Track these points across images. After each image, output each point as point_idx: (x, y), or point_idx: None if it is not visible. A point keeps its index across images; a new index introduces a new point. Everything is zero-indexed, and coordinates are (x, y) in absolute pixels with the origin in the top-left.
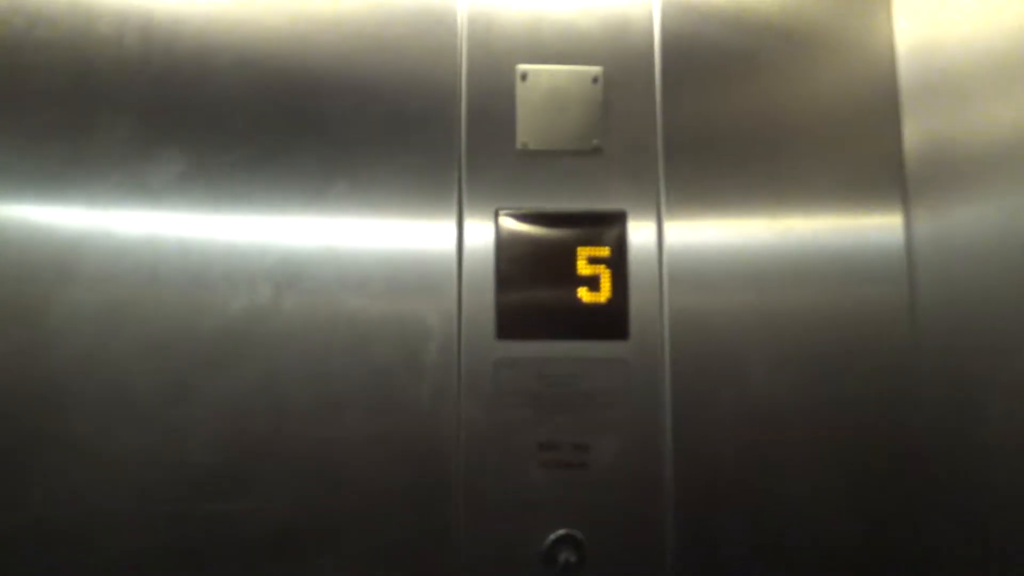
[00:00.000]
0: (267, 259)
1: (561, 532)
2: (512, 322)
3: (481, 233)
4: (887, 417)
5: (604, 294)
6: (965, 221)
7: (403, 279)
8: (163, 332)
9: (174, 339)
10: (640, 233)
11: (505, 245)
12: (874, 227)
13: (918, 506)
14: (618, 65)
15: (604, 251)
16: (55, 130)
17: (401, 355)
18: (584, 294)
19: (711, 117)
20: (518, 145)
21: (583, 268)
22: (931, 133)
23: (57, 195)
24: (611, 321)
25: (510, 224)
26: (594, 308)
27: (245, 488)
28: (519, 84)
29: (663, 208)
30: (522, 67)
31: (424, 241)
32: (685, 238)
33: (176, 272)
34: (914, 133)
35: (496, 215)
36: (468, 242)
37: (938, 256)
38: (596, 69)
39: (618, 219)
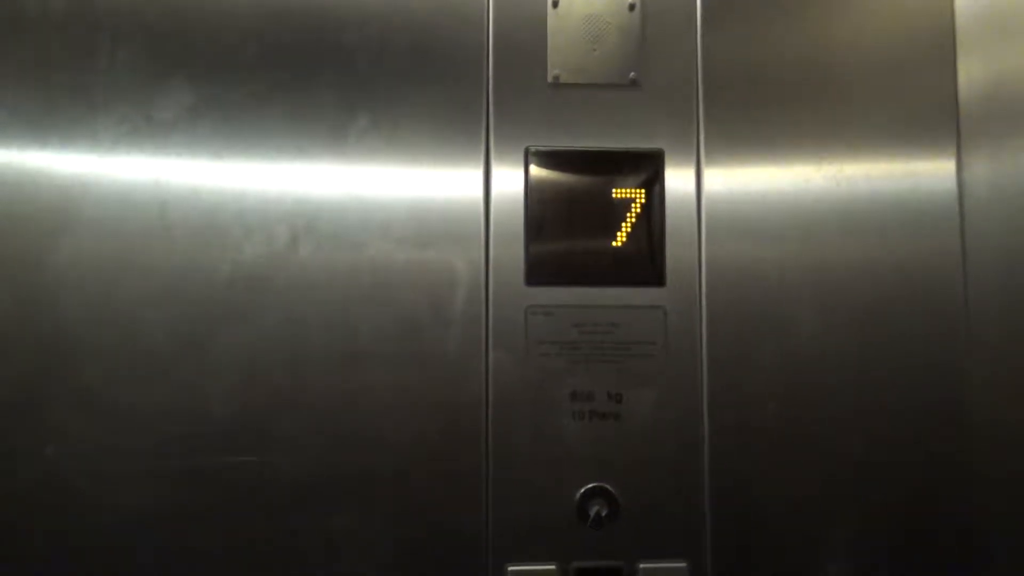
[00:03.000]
0: (284, 201)
1: (592, 485)
2: (542, 267)
3: (510, 173)
4: (936, 367)
5: (639, 239)
6: None
7: (428, 220)
8: (174, 280)
9: (186, 287)
10: (678, 174)
11: (535, 185)
12: (926, 172)
13: (967, 465)
14: None
15: (640, 193)
16: (52, 59)
17: (427, 302)
18: (618, 238)
19: (755, 51)
20: (549, 78)
21: (617, 210)
22: (991, 70)
23: (56, 132)
24: (646, 267)
25: (540, 162)
26: (629, 253)
27: (264, 442)
28: (550, 11)
29: (702, 148)
30: None
31: (450, 179)
32: (725, 181)
33: (186, 216)
34: (971, 70)
35: (526, 153)
36: (496, 180)
37: (993, 203)
38: None
39: (655, 159)
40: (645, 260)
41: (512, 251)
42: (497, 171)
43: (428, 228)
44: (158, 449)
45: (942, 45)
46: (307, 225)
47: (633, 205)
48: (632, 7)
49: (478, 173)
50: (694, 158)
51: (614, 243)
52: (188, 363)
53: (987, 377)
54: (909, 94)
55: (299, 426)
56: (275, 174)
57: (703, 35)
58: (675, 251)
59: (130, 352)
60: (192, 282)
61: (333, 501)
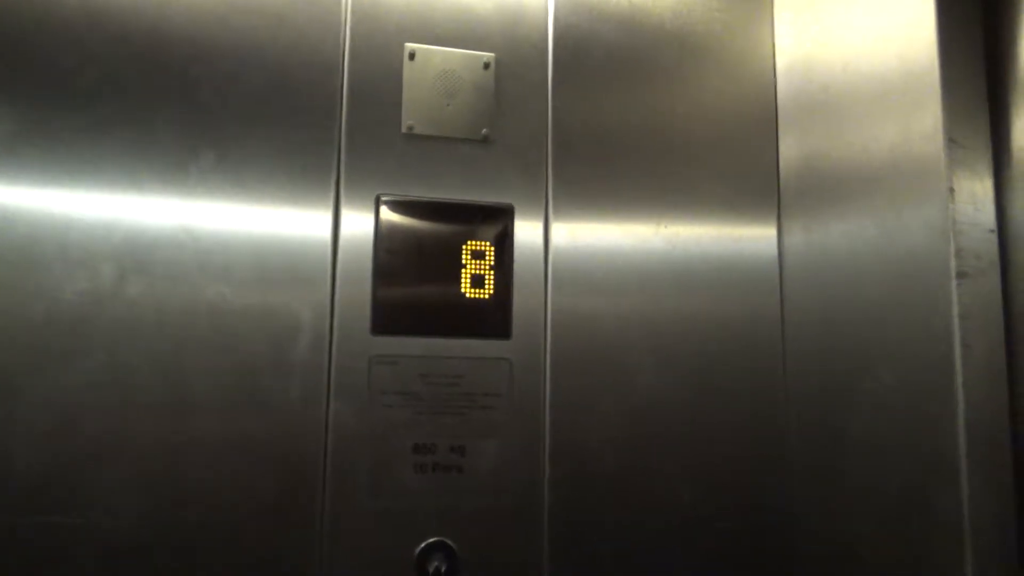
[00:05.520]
0: (112, 237)
1: (432, 540)
2: (389, 317)
3: (360, 220)
4: (759, 416)
5: (487, 291)
6: (835, 236)
7: (272, 266)
8: None
9: None
10: (526, 229)
11: (385, 235)
12: (751, 238)
13: (784, 510)
14: (511, 53)
15: (490, 246)
16: None
17: (267, 349)
18: (466, 290)
19: (602, 115)
20: (403, 128)
21: (466, 263)
22: (806, 149)
23: None
24: (494, 319)
25: (391, 212)
26: (476, 305)
27: (80, 498)
28: (407, 63)
29: (551, 205)
30: (411, 46)
31: (297, 225)
32: (572, 237)
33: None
34: (790, 148)
35: (377, 202)
36: (345, 229)
37: (808, 268)
38: (488, 55)
39: (505, 214)
40: (492, 312)
41: (359, 298)
42: (347, 218)
43: (272, 272)
44: None
45: (766, 124)
46: (138, 263)
47: (482, 258)
48: (487, 65)
49: (327, 219)
50: (542, 214)
51: (462, 295)
52: None
53: (800, 425)
54: (738, 167)
55: (120, 481)
56: (105, 208)
57: (554, 97)
58: (522, 304)
59: None
60: (4, 320)
61: (157, 561)
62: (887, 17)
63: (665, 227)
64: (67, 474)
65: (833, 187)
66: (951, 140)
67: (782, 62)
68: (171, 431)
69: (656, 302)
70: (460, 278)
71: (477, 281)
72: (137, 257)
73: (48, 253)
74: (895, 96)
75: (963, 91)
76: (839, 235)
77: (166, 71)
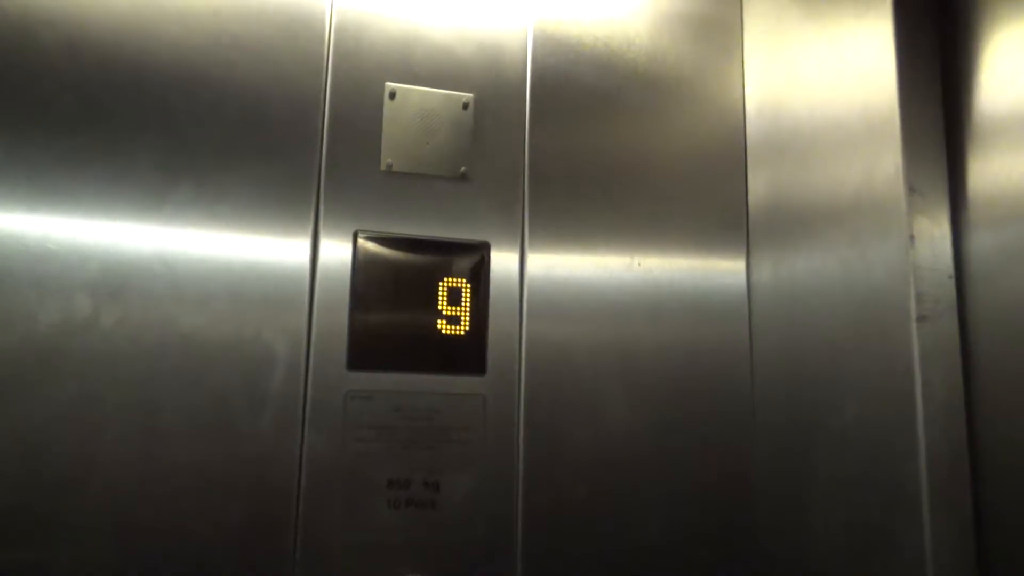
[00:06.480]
0: (88, 267)
1: None
2: (365, 353)
3: (337, 257)
4: (729, 447)
5: (463, 328)
6: (802, 272)
7: (248, 301)
8: None
9: None
10: (502, 265)
11: (363, 272)
12: (721, 271)
13: (754, 525)
14: (490, 93)
15: (466, 283)
16: None
17: (241, 381)
18: (443, 327)
19: (578, 154)
20: (382, 165)
21: (443, 300)
22: (774, 188)
23: None
24: (469, 355)
25: (370, 249)
26: (452, 342)
27: (48, 532)
28: (387, 102)
29: (527, 242)
30: (391, 85)
31: (274, 262)
32: (547, 273)
33: None
34: (758, 186)
35: (355, 238)
36: (323, 266)
37: (776, 302)
38: (468, 95)
39: (482, 250)
40: (468, 349)
41: (335, 332)
42: (325, 255)
43: (248, 308)
44: None
45: (736, 164)
46: (113, 293)
47: (458, 294)
48: (466, 106)
49: (304, 254)
50: (518, 251)
51: (438, 332)
52: None
53: (768, 455)
54: (709, 204)
55: (86, 515)
56: (80, 237)
57: (531, 135)
58: (497, 339)
59: None
60: None
61: None
62: (850, 68)
63: (639, 263)
64: (34, 508)
65: (800, 225)
66: (911, 189)
67: (751, 105)
68: (140, 463)
69: (629, 335)
70: (436, 315)
71: (453, 319)
72: (112, 287)
73: (22, 282)
74: (858, 143)
75: (922, 140)
76: (805, 271)
77: (146, 101)
